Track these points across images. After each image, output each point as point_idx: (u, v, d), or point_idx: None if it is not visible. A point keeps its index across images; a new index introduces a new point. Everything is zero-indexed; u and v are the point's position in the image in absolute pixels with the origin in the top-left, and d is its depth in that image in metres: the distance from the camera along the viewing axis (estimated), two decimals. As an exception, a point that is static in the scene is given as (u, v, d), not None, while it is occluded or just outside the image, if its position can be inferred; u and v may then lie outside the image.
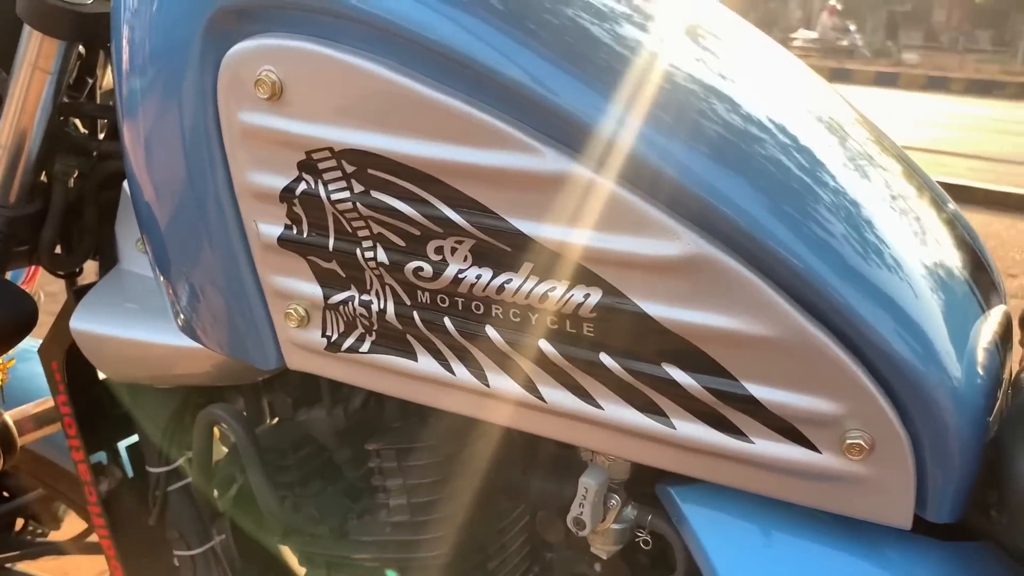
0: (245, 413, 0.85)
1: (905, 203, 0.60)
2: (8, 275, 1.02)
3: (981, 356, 0.54)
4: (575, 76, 0.52)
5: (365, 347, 0.62)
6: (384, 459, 0.74)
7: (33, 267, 1.02)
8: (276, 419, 0.86)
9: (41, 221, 0.85)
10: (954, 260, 0.59)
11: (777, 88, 0.63)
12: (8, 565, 1.37)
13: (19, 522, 1.36)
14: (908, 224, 0.57)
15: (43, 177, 0.85)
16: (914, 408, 0.50)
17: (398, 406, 0.76)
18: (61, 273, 0.91)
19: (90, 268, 0.92)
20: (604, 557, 0.65)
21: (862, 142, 0.64)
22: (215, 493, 0.88)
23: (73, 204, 0.86)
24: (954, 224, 0.66)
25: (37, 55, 0.77)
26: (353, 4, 0.54)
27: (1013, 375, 0.57)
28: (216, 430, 0.86)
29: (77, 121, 0.88)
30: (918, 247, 0.56)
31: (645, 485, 0.63)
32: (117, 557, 0.95)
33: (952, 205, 0.70)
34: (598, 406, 0.55)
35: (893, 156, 0.68)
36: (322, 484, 0.81)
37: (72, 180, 0.86)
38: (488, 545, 0.78)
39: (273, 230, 0.61)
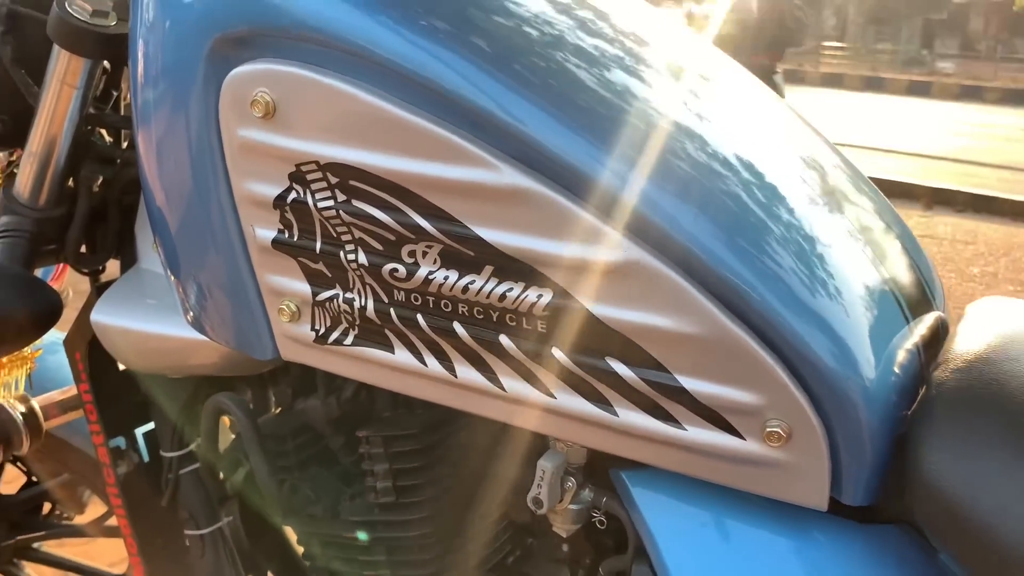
0: (252, 403, 0.92)
1: (838, 214, 0.65)
2: (40, 272, 1.10)
3: (900, 356, 0.60)
4: (530, 100, 0.58)
5: (349, 340, 0.68)
6: (372, 445, 0.80)
7: (61, 265, 1.10)
8: (279, 409, 0.93)
9: (68, 223, 0.92)
10: (881, 268, 0.64)
11: (718, 106, 0.69)
12: (35, 545, 1.45)
13: (46, 506, 1.44)
14: (836, 234, 0.63)
15: (70, 182, 0.92)
16: (827, 401, 0.56)
17: (388, 397, 0.83)
18: (86, 270, 0.98)
19: (113, 266, 1.00)
20: (564, 535, 0.71)
21: (798, 152, 0.70)
22: (223, 477, 0.95)
23: (97, 207, 0.93)
24: (892, 234, 0.71)
25: (65, 71, 0.85)
26: (337, 34, 0.61)
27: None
28: (226, 419, 0.93)
29: (103, 131, 0.96)
30: (844, 256, 0.61)
31: (601, 470, 0.69)
32: (132, 535, 1.02)
33: (895, 217, 0.75)
34: (551, 395, 0.62)
35: (834, 166, 0.73)
36: (318, 469, 0.87)
37: (97, 185, 0.93)
38: (470, 527, 0.84)
39: (268, 234, 0.68)
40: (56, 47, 0.84)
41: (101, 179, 0.93)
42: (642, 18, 0.74)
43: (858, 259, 0.63)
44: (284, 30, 0.63)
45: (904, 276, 0.67)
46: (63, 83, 0.85)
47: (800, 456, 0.56)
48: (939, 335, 0.67)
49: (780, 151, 0.68)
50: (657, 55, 0.69)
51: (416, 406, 0.82)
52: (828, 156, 0.75)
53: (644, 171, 0.57)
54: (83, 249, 0.95)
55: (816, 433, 0.56)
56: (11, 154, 0.99)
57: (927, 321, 0.66)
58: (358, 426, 0.82)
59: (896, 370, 0.59)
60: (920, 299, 0.67)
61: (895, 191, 6.23)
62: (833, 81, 14.55)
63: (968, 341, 0.61)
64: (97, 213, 0.93)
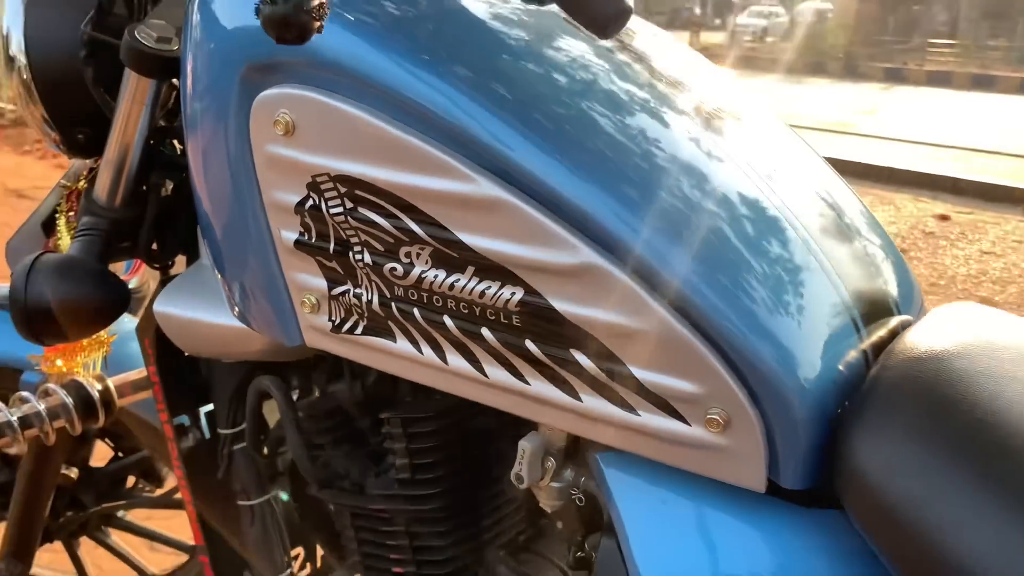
0: (298, 386, 1.02)
1: (800, 227, 0.70)
2: (123, 266, 1.23)
3: (846, 355, 0.65)
4: (506, 121, 0.66)
5: (359, 330, 0.77)
6: (392, 426, 0.89)
7: (138, 260, 1.22)
8: (318, 392, 1.03)
9: (140, 223, 1.03)
10: (835, 275, 0.69)
11: (688, 121, 0.74)
12: (120, 515, 1.60)
13: (131, 480, 1.59)
14: (792, 244, 0.68)
15: (143, 187, 1.04)
16: (763, 393, 0.62)
17: (408, 383, 0.91)
18: (156, 265, 1.10)
19: (182, 261, 1.11)
20: (549, 511, 0.78)
21: (768, 164, 0.74)
22: (266, 452, 1.05)
23: (166, 209, 1.04)
24: (862, 244, 0.76)
25: (135, 91, 0.96)
26: (347, 64, 0.70)
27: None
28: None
29: (174, 141, 1.07)
30: (794, 262, 0.67)
31: (581, 452, 0.76)
32: (193, 503, 1.13)
33: (875, 229, 0.79)
34: (525, 382, 0.69)
35: (813, 178, 0.78)
36: (348, 447, 0.97)
37: (166, 190, 1.04)
38: (482, 505, 0.92)
39: (291, 236, 0.77)
40: (127, 69, 0.95)
41: (171, 185, 1.04)
42: (631, 44, 0.81)
43: (810, 266, 0.68)
44: (303, 60, 0.72)
45: (865, 282, 0.72)
46: (134, 101, 0.96)
47: (738, 441, 0.63)
48: (896, 336, 0.71)
49: (747, 164, 0.73)
50: (633, 76, 0.76)
51: (433, 392, 0.90)
52: (809, 170, 0.80)
53: (602, 185, 0.64)
54: (154, 246, 1.07)
55: (752, 422, 0.62)
56: (94, 161, 1.11)
57: (888, 324, 0.71)
58: (381, 409, 0.91)
59: (840, 367, 0.64)
60: (881, 303, 0.72)
61: (995, 194, 6.03)
62: (940, 79, 14.06)
63: (911, 341, 0.66)
64: (166, 214, 1.04)
